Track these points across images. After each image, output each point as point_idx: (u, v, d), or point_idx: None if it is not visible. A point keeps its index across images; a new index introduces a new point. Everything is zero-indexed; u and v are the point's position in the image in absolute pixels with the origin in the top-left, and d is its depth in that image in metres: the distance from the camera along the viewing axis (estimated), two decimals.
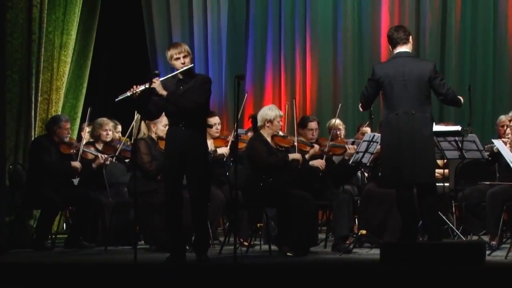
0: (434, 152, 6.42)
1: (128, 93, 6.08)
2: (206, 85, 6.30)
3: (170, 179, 6.29)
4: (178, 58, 6.23)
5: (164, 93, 6.14)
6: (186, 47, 6.28)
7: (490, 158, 7.41)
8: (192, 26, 10.65)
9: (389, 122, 6.25)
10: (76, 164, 7.62)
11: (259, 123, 7.01)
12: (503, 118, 7.82)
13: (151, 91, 6.11)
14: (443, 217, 7.32)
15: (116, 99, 6.13)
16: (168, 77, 6.30)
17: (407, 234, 6.25)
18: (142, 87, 6.09)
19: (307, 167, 7.18)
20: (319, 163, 7.21)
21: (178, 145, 6.21)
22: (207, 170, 6.31)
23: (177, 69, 6.26)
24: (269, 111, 7.01)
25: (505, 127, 7.56)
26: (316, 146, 7.30)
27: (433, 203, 6.27)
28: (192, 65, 6.30)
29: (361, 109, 6.67)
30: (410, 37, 6.36)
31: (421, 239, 6.72)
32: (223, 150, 7.56)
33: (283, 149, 7.06)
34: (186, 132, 6.21)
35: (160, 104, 6.23)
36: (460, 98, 6.41)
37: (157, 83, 6.13)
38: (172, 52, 6.25)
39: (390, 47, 6.43)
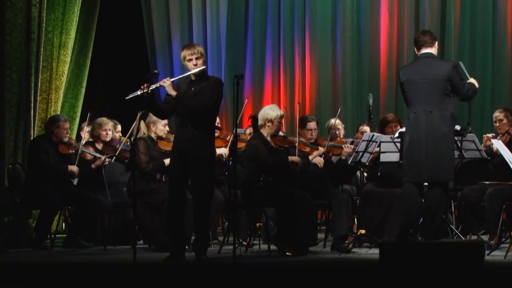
0: (454, 150, 6.53)
1: (139, 92, 6.09)
2: (217, 88, 6.30)
3: (174, 178, 6.29)
4: (190, 60, 6.24)
5: (174, 93, 6.17)
6: (200, 49, 6.29)
7: (489, 158, 7.44)
8: (192, 27, 10.65)
9: (409, 120, 6.42)
10: (73, 168, 7.61)
11: (259, 122, 7.01)
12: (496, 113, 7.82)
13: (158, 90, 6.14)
14: (442, 216, 7.32)
15: (126, 98, 6.15)
16: (181, 78, 6.35)
17: (405, 232, 6.28)
18: (153, 86, 6.11)
19: (307, 168, 7.17)
20: (317, 160, 7.22)
21: (184, 146, 6.22)
22: (211, 172, 6.31)
23: (189, 70, 6.27)
24: (270, 111, 7.01)
25: (496, 123, 7.62)
26: (321, 149, 7.30)
27: (439, 200, 6.32)
28: (204, 67, 6.30)
29: None
30: (436, 42, 6.55)
31: (420, 238, 6.72)
32: (222, 151, 7.57)
33: (283, 149, 7.06)
34: (194, 133, 6.21)
35: (172, 104, 6.25)
36: (474, 82, 6.49)
37: (167, 83, 6.16)
38: (185, 53, 6.26)
39: (415, 49, 6.59)
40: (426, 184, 6.54)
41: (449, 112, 6.35)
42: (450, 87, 6.36)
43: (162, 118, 6.98)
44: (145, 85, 6.09)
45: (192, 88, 6.26)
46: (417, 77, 6.38)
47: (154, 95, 6.20)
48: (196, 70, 6.23)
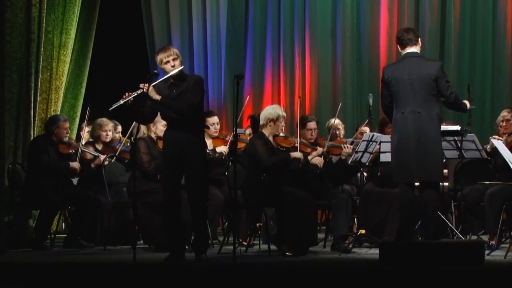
0: (442, 151, 6.47)
1: (122, 101, 6.09)
2: (198, 85, 6.29)
3: (168, 180, 6.29)
4: (167, 62, 6.23)
5: (158, 97, 6.15)
6: (175, 50, 6.29)
7: (489, 158, 7.44)
8: (192, 27, 10.66)
9: (396, 121, 6.35)
10: (75, 164, 7.61)
11: (261, 122, 7.01)
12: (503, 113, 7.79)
13: (145, 96, 6.11)
14: (442, 216, 7.33)
15: (110, 109, 6.15)
16: (159, 82, 6.29)
17: (402, 233, 6.28)
18: (134, 94, 6.10)
19: (307, 168, 7.18)
20: (317, 160, 7.22)
21: (175, 147, 6.22)
22: (205, 170, 6.32)
23: (167, 73, 6.25)
24: (272, 111, 7.02)
25: (503, 122, 7.59)
26: (320, 149, 7.30)
27: (432, 201, 6.28)
28: (182, 67, 6.30)
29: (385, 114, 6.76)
30: (420, 39, 6.46)
31: (420, 238, 6.72)
32: (222, 149, 7.57)
33: (284, 149, 7.06)
34: (184, 133, 6.21)
35: (154, 108, 6.25)
36: (466, 102, 6.47)
37: (150, 89, 6.13)
38: (161, 56, 6.25)
39: (399, 48, 6.49)
40: (418, 184, 6.51)
41: (435, 113, 6.28)
42: (436, 88, 6.29)
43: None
44: (127, 93, 6.09)
45: (174, 91, 6.25)
46: (405, 76, 6.28)
47: (139, 101, 6.15)
48: (175, 71, 6.22)
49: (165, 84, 6.30)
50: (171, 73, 6.22)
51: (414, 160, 6.23)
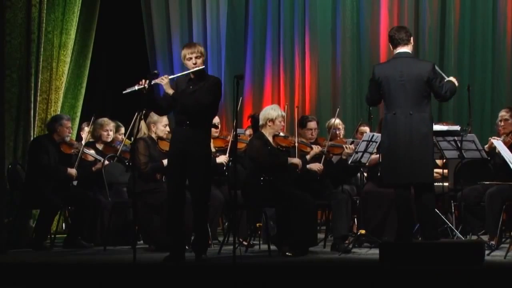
0: (433, 152, 6.43)
1: (136, 87, 6.11)
2: (214, 87, 6.31)
3: (172, 178, 6.30)
4: (190, 58, 6.26)
5: (171, 92, 6.19)
6: (200, 48, 6.30)
7: (489, 158, 7.44)
8: (191, 27, 10.65)
9: (387, 121, 6.30)
10: (72, 171, 7.61)
11: (261, 122, 7.03)
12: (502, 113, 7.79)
13: (160, 87, 6.17)
14: (442, 217, 7.33)
15: (124, 92, 6.16)
16: (180, 76, 6.37)
17: (402, 234, 6.27)
18: (151, 83, 6.13)
19: (305, 169, 7.18)
20: (317, 167, 7.21)
21: (181, 145, 6.24)
22: (208, 170, 6.32)
23: (189, 69, 6.28)
24: (271, 111, 7.03)
25: (502, 122, 7.59)
26: (317, 147, 7.30)
27: (430, 202, 6.27)
28: (203, 66, 6.32)
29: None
30: (411, 38, 6.41)
31: (420, 238, 6.72)
32: (222, 159, 7.52)
33: (284, 149, 7.07)
34: (190, 132, 6.23)
35: (170, 100, 6.27)
36: (455, 82, 6.36)
37: (165, 81, 6.19)
38: (185, 52, 6.29)
39: (390, 46, 6.44)
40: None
41: (427, 114, 6.25)
42: (428, 89, 6.24)
43: (160, 114, 6.96)
44: (143, 80, 6.11)
45: (191, 87, 6.27)
46: (396, 77, 6.23)
47: (152, 91, 6.21)
48: (195, 69, 6.24)
49: (185, 78, 6.33)
50: (192, 70, 6.25)
51: (404, 162, 6.19)
